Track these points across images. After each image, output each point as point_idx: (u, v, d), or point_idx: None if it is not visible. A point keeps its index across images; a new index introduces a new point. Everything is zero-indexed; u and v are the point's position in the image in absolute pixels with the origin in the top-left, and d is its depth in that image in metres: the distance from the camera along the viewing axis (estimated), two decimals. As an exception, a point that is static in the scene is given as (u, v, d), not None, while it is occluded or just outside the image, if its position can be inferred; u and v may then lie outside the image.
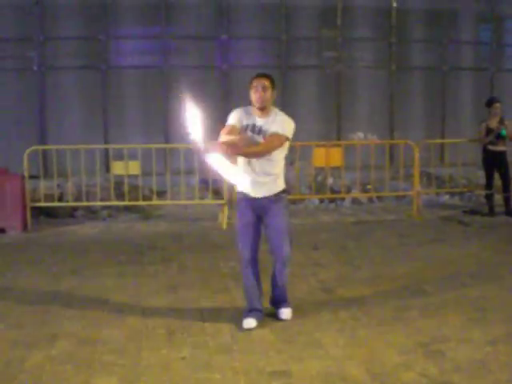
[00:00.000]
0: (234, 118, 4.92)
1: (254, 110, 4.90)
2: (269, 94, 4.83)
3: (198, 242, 8.15)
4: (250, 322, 4.90)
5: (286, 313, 5.05)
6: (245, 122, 4.87)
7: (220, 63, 12.34)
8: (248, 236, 4.94)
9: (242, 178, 4.89)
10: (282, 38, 12.49)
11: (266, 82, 4.82)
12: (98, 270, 6.65)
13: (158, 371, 4.09)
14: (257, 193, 4.88)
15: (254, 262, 5.01)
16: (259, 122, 4.85)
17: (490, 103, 9.66)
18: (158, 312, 5.27)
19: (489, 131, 9.47)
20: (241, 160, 4.88)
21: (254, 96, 4.84)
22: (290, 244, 4.98)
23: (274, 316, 5.06)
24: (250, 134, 4.83)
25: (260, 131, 4.82)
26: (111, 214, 9.93)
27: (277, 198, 4.91)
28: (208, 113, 12.38)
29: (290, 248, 4.99)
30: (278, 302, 5.12)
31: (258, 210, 4.91)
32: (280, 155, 4.91)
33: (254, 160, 4.82)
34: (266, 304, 5.17)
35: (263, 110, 4.86)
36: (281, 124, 4.83)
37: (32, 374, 4.04)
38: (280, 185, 4.96)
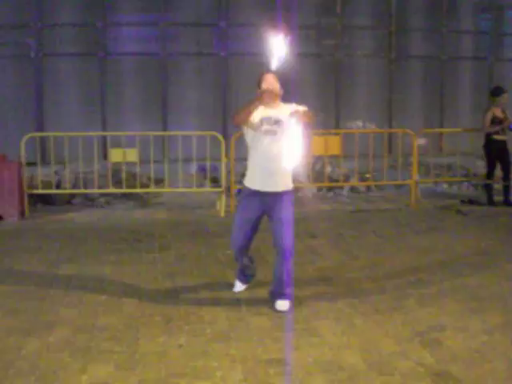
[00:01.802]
0: None
1: (264, 102, 4.99)
2: (277, 88, 5.06)
3: (196, 229, 8.14)
4: (238, 285, 5.48)
5: (280, 304, 5.01)
6: (258, 117, 4.97)
7: (219, 50, 12.29)
8: (245, 231, 5.11)
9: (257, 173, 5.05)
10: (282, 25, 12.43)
11: (274, 78, 5.05)
12: (96, 258, 6.65)
13: (154, 359, 4.09)
14: (270, 187, 4.99)
15: (245, 250, 5.26)
16: (272, 113, 5.00)
17: (498, 93, 9.62)
18: (155, 300, 5.27)
19: (494, 120, 9.46)
20: (260, 145, 4.98)
21: (264, 88, 5.00)
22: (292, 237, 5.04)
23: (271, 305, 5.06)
24: (267, 126, 4.96)
25: (276, 121, 4.97)
26: (109, 201, 9.91)
27: (287, 192, 5.05)
28: (207, 100, 12.34)
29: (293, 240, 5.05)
30: (275, 293, 5.07)
31: (265, 204, 5.02)
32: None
33: (274, 145, 4.94)
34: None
35: (273, 104, 5.04)
36: (297, 106, 5.02)
37: (29, 362, 4.05)
38: (290, 181, 5.11)
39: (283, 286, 5.03)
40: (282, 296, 5.03)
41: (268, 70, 5.04)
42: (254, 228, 5.14)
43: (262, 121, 4.96)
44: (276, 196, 4.99)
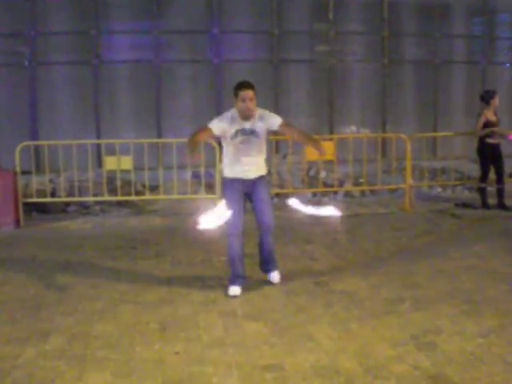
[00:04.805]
0: (217, 126, 5.35)
1: (240, 117, 5.35)
2: (255, 103, 5.33)
3: (191, 236, 8.13)
4: (235, 290, 5.53)
5: (276, 276, 5.76)
6: (233, 130, 5.35)
7: (212, 57, 12.32)
8: (237, 211, 5.41)
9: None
10: (274, 31, 12.48)
11: (252, 93, 5.29)
12: (91, 266, 6.65)
13: (151, 366, 4.09)
14: (250, 175, 5.50)
15: (241, 234, 5.58)
16: (247, 125, 5.36)
17: (490, 96, 9.66)
18: (151, 307, 5.27)
19: (488, 123, 9.51)
20: (237, 148, 5.42)
21: (241, 105, 5.28)
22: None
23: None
24: (241, 137, 5.34)
25: (251, 132, 5.35)
26: (104, 209, 9.90)
27: (263, 176, 5.65)
28: (201, 106, 12.39)
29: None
30: (267, 263, 5.72)
31: (246, 188, 5.53)
32: (265, 142, 5.56)
33: (249, 148, 5.42)
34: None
35: (249, 117, 5.36)
36: (274, 116, 5.43)
37: (25, 370, 4.04)
38: (265, 167, 5.70)
39: (274, 257, 5.74)
40: (274, 265, 5.75)
41: (245, 84, 5.28)
42: (244, 210, 5.60)
43: (237, 132, 5.34)
44: (254, 180, 5.55)
